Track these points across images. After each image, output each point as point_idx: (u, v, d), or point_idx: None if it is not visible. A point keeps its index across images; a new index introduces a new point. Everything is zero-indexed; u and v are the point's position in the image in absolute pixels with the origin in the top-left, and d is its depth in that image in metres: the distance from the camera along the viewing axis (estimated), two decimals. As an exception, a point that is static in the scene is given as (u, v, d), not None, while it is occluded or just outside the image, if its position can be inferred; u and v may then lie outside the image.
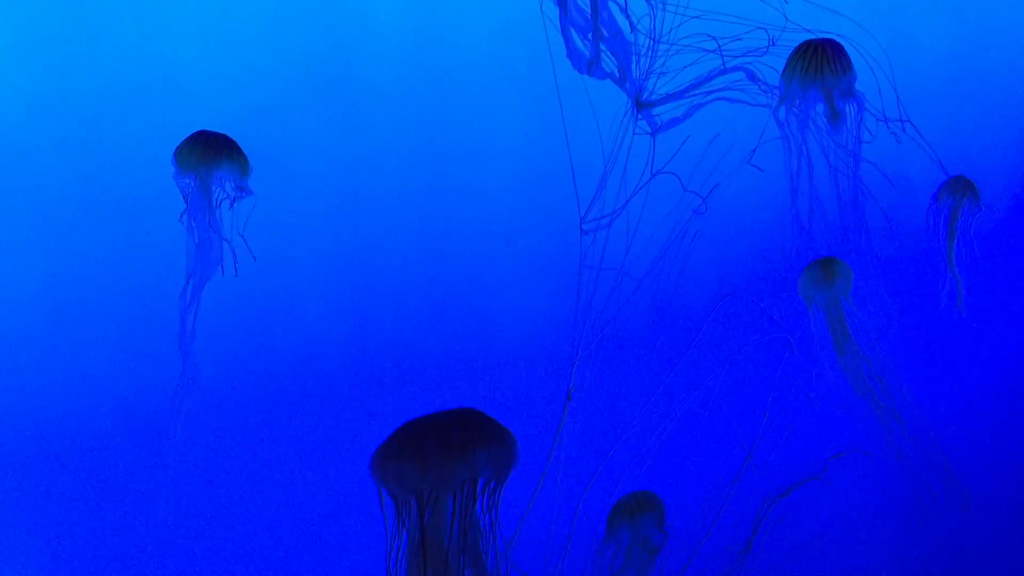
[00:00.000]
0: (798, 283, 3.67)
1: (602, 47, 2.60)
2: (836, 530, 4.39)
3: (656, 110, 2.71)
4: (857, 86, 3.39)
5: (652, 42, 2.70)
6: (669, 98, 2.68)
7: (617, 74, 2.58)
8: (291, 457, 4.48)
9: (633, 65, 2.62)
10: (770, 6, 3.15)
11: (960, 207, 4.14)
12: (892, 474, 3.79)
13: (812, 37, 3.34)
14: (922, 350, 4.62)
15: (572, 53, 2.70)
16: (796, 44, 3.34)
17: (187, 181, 3.36)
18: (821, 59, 3.34)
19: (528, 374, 4.34)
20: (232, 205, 3.37)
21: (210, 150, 3.31)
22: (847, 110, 3.35)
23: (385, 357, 4.49)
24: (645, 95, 2.65)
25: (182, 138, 4.00)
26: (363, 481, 2.14)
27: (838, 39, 3.40)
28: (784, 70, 3.27)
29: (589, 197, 2.74)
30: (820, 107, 3.32)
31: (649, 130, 2.66)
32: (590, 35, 2.64)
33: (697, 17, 2.92)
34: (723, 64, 2.78)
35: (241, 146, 4.01)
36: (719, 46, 2.80)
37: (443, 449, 1.99)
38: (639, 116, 2.65)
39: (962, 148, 4.56)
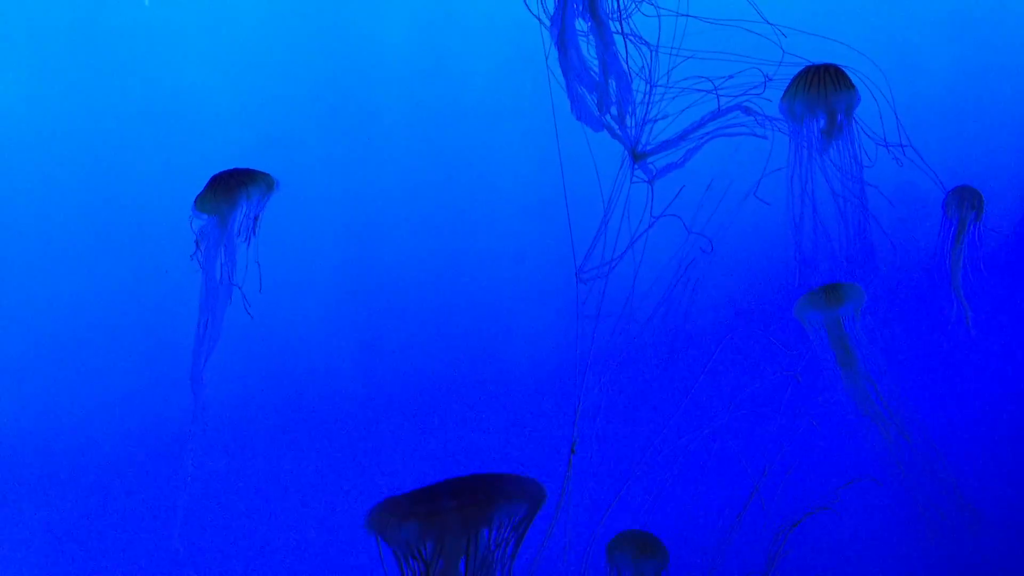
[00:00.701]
0: (796, 305, 3.67)
1: (600, 97, 2.61)
2: (848, 555, 4.39)
3: (653, 156, 2.72)
4: (859, 112, 3.40)
5: (647, 88, 2.71)
6: (665, 146, 2.68)
7: (614, 127, 2.59)
8: (301, 485, 4.50)
9: (628, 117, 2.63)
10: (767, 39, 3.16)
11: (967, 220, 4.13)
12: (902, 497, 3.78)
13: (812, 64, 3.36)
14: (929, 368, 4.61)
15: (574, 102, 2.71)
16: (793, 76, 3.36)
17: (207, 222, 3.38)
18: (823, 78, 3.35)
19: (535, 409, 4.37)
20: (250, 234, 3.40)
21: (231, 189, 3.34)
22: (847, 132, 3.36)
23: (393, 385, 4.51)
24: (641, 146, 2.66)
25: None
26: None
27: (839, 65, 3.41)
28: (786, 92, 3.28)
29: (590, 245, 2.75)
30: (821, 126, 3.33)
31: (647, 178, 2.67)
32: (590, 86, 2.66)
33: (691, 57, 2.92)
34: (719, 106, 2.79)
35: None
36: (715, 87, 2.81)
37: (460, 506, 2.00)
38: (636, 166, 2.66)
39: (966, 168, 4.55)
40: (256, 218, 3.36)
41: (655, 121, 2.73)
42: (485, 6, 4.28)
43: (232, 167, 3.35)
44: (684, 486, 3.86)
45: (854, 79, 3.36)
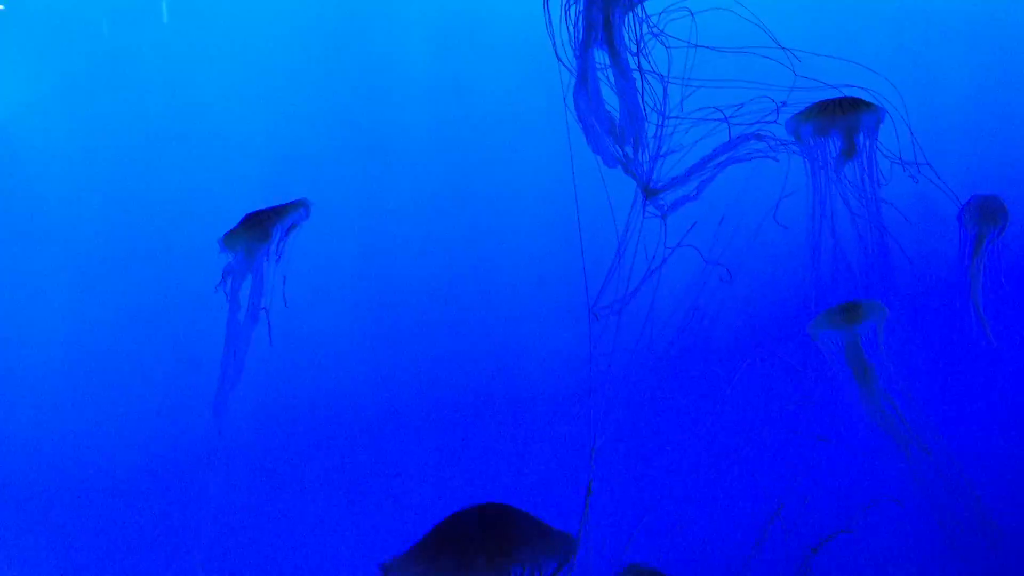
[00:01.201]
0: (812, 324, 3.66)
1: (615, 133, 2.62)
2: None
3: (665, 192, 2.73)
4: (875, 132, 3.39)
5: (660, 121, 2.71)
6: (677, 181, 2.69)
7: (628, 163, 2.60)
8: (317, 508, 4.53)
9: (641, 152, 2.64)
10: (780, 63, 3.15)
11: (985, 233, 4.11)
12: (924, 516, 3.77)
13: (825, 89, 3.35)
14: (949, 383, 4.59)
15: (589, 135, 2.72)
16: (805, 102, 3.35)
17: (235, 256, 3.42)
18: (838, 104, 3.33)
19: (550, 434, 4.38)
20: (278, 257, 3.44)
21: (264, 227, 3.37)
22: (864, 151, 3.35)
23: (410, 408, 4.53)
24: (653, 182, 2.67)
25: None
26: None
27: (854, 90, 3.40)
28: (797, 115, 3.28)
29: (604, 280, 2.76)
30: (837, 147, 3.32)
31: (660, 214, 2.68)
32: (605, 121, 2.66)
33: (703, 87, 2.93)
34: (730, 137, 2.79)
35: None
36: (726, 117, 2.81)
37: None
38: (648, 202, 2.67)
39: (986, 181, 4.53)
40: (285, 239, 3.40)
41: (668, 155, 2.74)
42: (503, 34, 4.29)
43: (263, 207, 3.40)
44: (704, 512, 3.86)
45: (872, 99, 3.35)
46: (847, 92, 3.38)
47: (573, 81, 2.77)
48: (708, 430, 3.84)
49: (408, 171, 4.50)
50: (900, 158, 3.39)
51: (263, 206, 4.19)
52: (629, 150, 2.65)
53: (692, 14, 2.79)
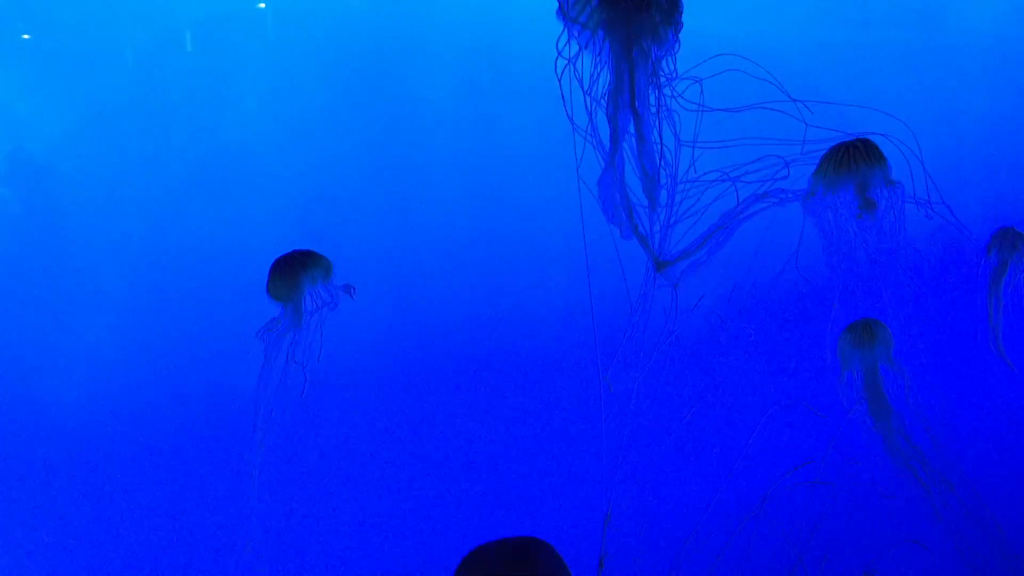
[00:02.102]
0: (837, 345, 3.64)
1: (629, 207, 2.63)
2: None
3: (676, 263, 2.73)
4: (892, 175, 3.37)
5: (670, 187, 2.71)
6: (687, 251, 2.69)
7: (641, 235, 2.61)
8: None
9: (653, 224, 2.64)
10: (791, 116, 3.13)
11: (1008, 262, 4.07)
12: (947, 553, 3.76)
13: (837, 137, 3.32)
14: (969, 413, 4.56)
15: (607, 207, 2.73)
16: (819, 152, 3.33)
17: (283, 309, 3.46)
18: (853, 153, 3.31)
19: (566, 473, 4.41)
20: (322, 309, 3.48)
21: (294, 275, 3.40)
22: (882, 199, 3.33)
23: (430, 450, 4.57)
24: (665, 254, 2.67)
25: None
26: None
27: (868, 135, 3.37)
28: (817, 169, 3.26)
29: (617, 350, 2.77)
30: (855, 201, 3.30)
31: (672, 283, 2.68)
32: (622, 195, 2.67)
33: (713, 149, 2.92)
34: (737, 200, 2.78)
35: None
36: (732, 181, 2.80)
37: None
38: (659, 274, 2.67)
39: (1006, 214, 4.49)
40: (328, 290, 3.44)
41: (678, 223, 2.74)
42: (526, 76, 4.28)
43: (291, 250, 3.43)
44: (725, 558, 3.87)
45: (884, 144, 3.33)
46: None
47: (594, 148, 2.78)
48: (728, 480, 3.84)
49: (431, 211, 4.53)
50: (915, 197, 3.36)
51: (290, 237, 4.23)
52: (644, 221, 2.66)
53: (701, 81, 2.77)
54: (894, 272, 3.46)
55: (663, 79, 2.72)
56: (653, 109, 2.72)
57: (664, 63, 2.81)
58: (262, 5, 4.66)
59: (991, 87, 4.92)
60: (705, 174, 2.81)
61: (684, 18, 3.07)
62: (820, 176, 3.25)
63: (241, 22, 4.64)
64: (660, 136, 2.72)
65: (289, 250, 3.42)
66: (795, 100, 3.03)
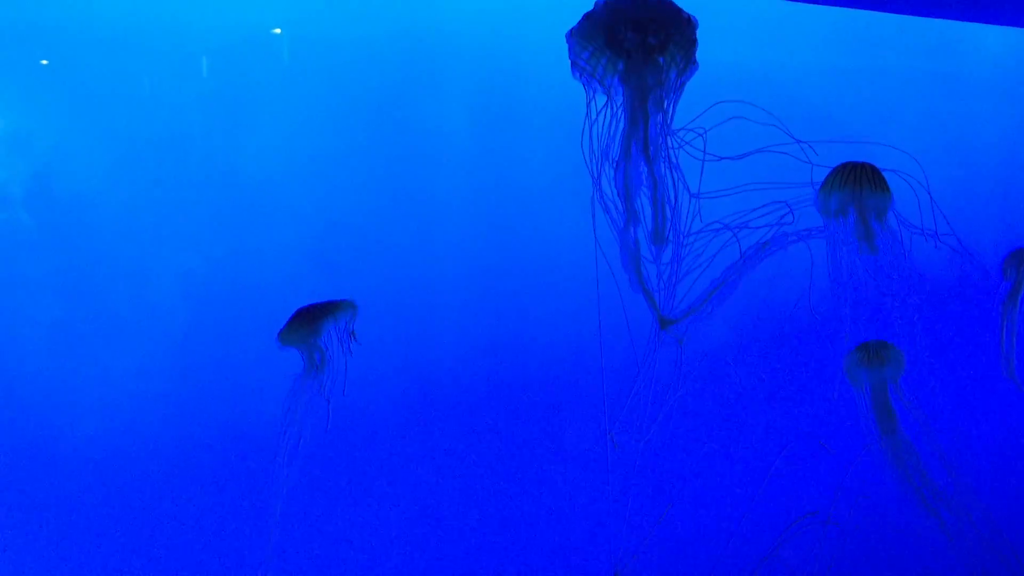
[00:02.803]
0: (844, 364, 3.66)
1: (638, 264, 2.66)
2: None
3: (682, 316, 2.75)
4: (898, 205, 3.38)
5: (674, 242, 2.74)
6: (692, 307, 2.72)
7: (644, 293, 2.63)
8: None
9: (659, 278, 2.67)
10: (796, 158, 3.15)
11: (1023, 282, 4.07)
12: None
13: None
14: (980, 435, 4.56)
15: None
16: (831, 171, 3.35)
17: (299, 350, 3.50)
18: (860, 175, 3.33)
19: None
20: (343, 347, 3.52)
21: (313, 322, 3.45)
22: (889, 228, 3.34)
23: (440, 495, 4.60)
24: (669, 311, 2.70)
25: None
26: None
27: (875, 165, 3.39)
28: (822, 186, 3.28)
29: (623, 407, 2.79)
30: (857, 229, 3.31)
31: (677, 339, 2.70)
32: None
33: (716, 197, 2.94)
34: (740, 251, 2.81)
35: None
36: (735, 233, 2.83)
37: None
38: (665, 331, 2.70)
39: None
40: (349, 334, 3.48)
41: (682, 278, 2.76)
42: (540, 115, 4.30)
43: (313, 303, 3.47)
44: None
45: (892, 178, 3.35)
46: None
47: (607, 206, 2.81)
48: (741, 523, 3.86)
49: (447, 242, 4.56)
50: (923, 228, 3.38)
51: (306, 266, 4.27)
52: (649, 274, 2.69)
53: (704, 131, 2.80)
54: (903, 300, 3.47)
55: (672, 129, 2.75)
56: (664, 159, 2.75)
57: (673, 110, 2.84)
58: (277, 31, 4.69)
59: (1003, 116, 4.92)
60: (707, 225, 2.83)
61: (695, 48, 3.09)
62: (826, 192, 3.27)
63: (257, 48, 4.67)
64: (672, 186, 2.74)
65: (299, 292, 3.47)
66: (799, 141, 3.06)
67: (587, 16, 2.90)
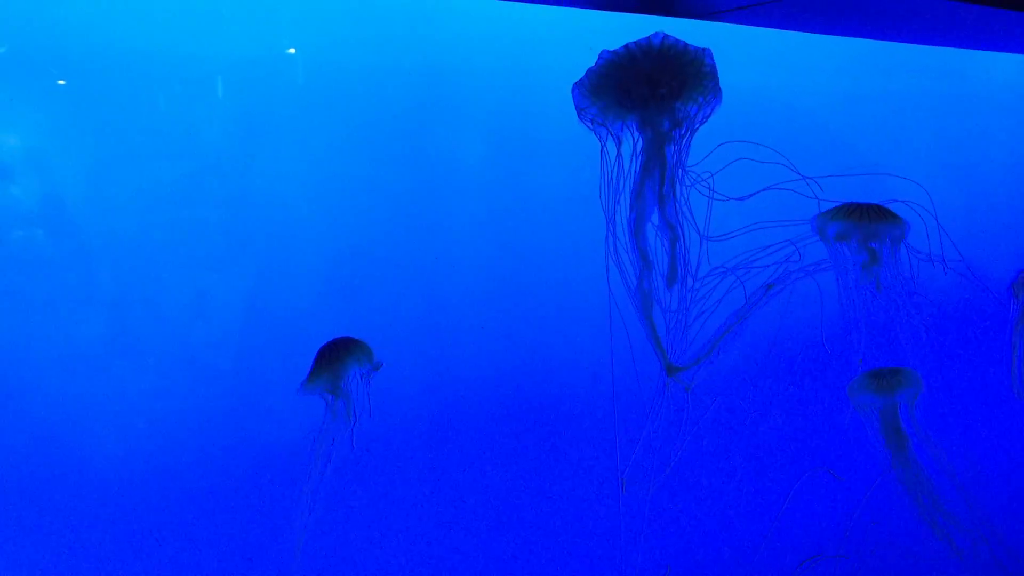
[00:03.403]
0: (848, 389, 3.67)
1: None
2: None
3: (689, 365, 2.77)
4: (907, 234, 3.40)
5: (681, 288, 2.75)
6: (699, 354, 2.73)
7: (653, 340, 2.65)
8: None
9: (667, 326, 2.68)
10: (802, 195, 3.17)
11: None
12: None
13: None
14: (992, 459, 4.56)
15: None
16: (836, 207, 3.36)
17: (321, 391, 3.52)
18: (866, 210, 3.34)
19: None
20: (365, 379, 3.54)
21: (335, 364, 3.47)
22: (897, 255, 3.36)
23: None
24: (676, 359, 2.71)
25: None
26: None
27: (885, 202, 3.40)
28: (826, 213, 3.29)
29: (633, 454, 2.81)
30: (862, 258, 3.33)
31: (687, 387, 2.72)
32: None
33: (722, 240, 2.96)
34: (745, 296, 2.83)
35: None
36: (739, 278, 2.85)
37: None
38: (672, 378, 2.71)
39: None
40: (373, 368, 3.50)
41: (689, 324, 2.77)
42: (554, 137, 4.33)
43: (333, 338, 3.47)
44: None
45: (900, 208, 3.37)
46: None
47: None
48: (756, 555, 3.87)
49: (462, 268, 4.58)
50: (932, 254, 3.40)
51: (322, 290, 4.28)
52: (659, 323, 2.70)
53: (712, 175, 2.83)
54: (914, 324, 3.49)
55: (686, 170, 2.77)
56: (677, 201, 2.76)
57: (687, 149, 2.86)
58: (292, 51, 4.72)
59: (1015, 139, 4.94)
60: (713, 269, 2.85)
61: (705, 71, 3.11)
62: (829, 218, 3.28)
63: (271, 68, 4.69)
64: (683, 228, 2.76)
65: (315, 313, 3.48)
66: (805, 177, 3.07)
67: (590, 72, 2.92)
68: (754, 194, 3.00)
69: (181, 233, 4.48)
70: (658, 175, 2.84)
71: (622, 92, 2.88)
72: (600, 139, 2.94)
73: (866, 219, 3.27)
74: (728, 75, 3.61)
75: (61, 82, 4.49)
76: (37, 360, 4.32)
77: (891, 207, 3.36)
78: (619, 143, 2.89)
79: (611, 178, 2.91)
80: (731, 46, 4.61)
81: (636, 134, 2.87)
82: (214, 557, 4.44)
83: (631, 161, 2.91)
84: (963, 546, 3.60)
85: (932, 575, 3.78)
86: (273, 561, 4.33)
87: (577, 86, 2.99)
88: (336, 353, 3.53)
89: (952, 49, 5.11)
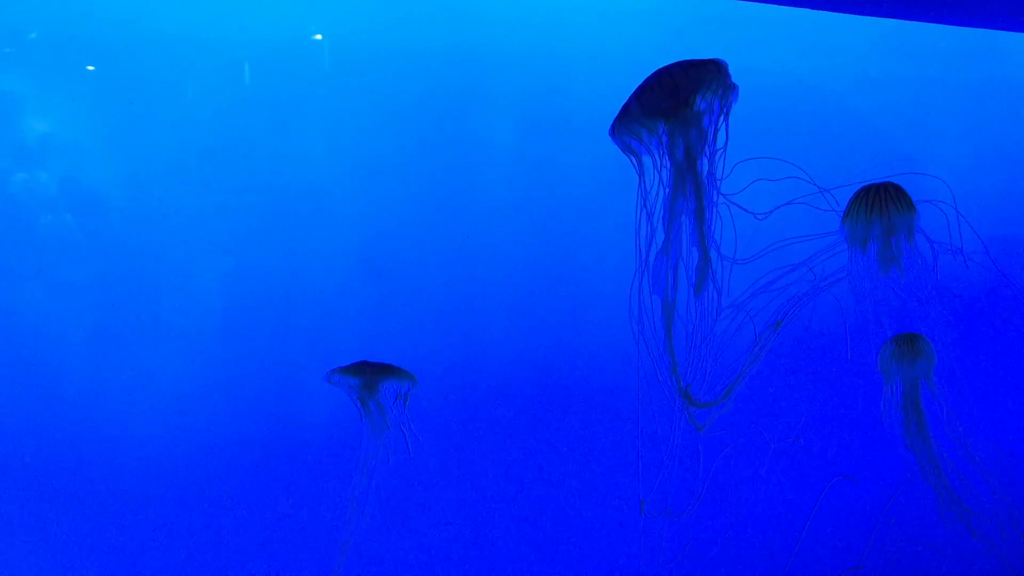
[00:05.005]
0: (879, 358, 3.63)
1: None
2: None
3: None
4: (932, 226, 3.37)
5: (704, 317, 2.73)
6: (715, 395, 2.72)
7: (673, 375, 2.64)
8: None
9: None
10: (818, 208, 3.14)
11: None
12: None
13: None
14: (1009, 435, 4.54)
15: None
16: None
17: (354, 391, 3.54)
18: (884, 197, 3.30)
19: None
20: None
21: (374, 379, 3.48)
22: (915, 247, 3.32)
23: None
24: (692, 389, 2.70)
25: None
26: None
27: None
28: (847, 212, 3.26)
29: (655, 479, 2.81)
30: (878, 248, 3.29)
31: (699, 427, 2.72)
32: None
33: (745, 263, 2.93)
34: (755, 336, 2.80)
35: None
36: (751, 319, 2.83)
37: None
38: (688, 412, 2.71)
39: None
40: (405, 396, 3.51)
41: (707, 358, 2.76)
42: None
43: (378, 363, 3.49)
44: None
45: (918, 199, 3.33)
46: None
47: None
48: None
49: (491, 250, 4.58)
50: (951, 245, 3.36)
51: (352, 273, 4.28)
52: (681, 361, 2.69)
53: (727, 198, 2.80)
54: (934, 316, 3.46)
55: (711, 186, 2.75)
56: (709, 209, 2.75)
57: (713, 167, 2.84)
58: (319, 37, 4.72)
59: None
60: (727, 307, 2.83)
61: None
62: (853, 221, 3.24)
63: (298, 53, 4.69)
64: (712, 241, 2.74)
65: (343, 297, 3.48)
66: (822, 189, 3.05)
67: (625, 112, 2.88)
68: (775, 210, 2.98)
69: (209, 217, 4.49)
70: (690, 186, 2.82)
71: (650, 120, 2.86)
72: (632, 160, 2.92)
73: (890, 206, 3.23)
74: (757, 57, 3.58)
75: (90, 68, 4.50)
76: (64, 339, 4.34)
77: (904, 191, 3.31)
78: (653, 158, 2.87)
79: (644, 188, 2.89)
80: (760, 28, 4.59)
81: (664, 139, 2.85)
82: (234, 531, 4.45)
83: (663, 177, 2.88)
84: (982, 528, 3.57)
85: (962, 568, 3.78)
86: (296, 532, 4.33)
87: (613, 129, 2.98)
88: (379, 370, 3.55)
89: (983, 31, 5.06)
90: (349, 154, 4.58)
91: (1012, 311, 4.21)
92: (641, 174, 2.84)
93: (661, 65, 2.96)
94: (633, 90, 2.98)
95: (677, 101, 2.75)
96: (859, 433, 3.92)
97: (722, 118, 2.82)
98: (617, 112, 2.90)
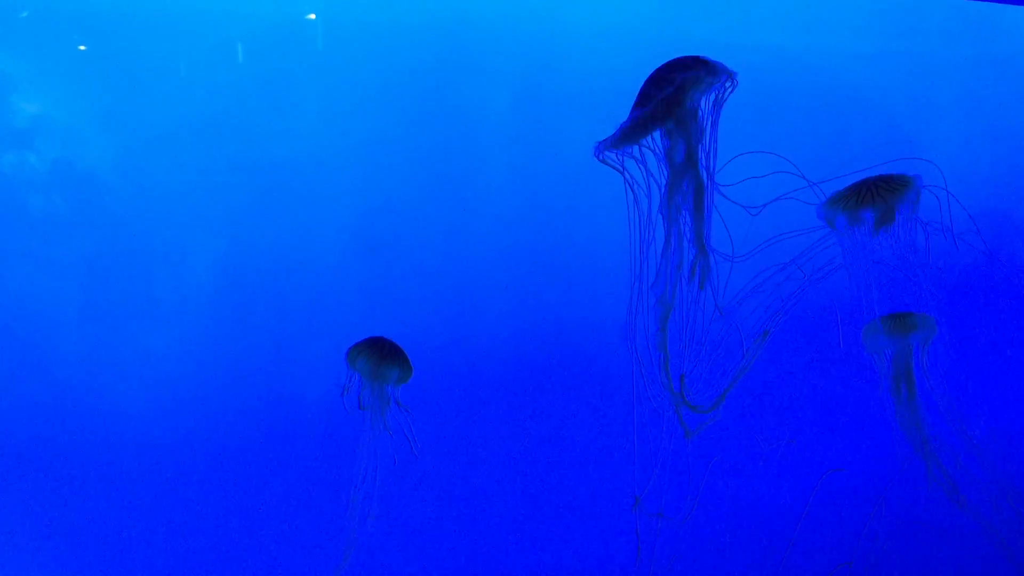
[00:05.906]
0: (863, 332, 3.62)
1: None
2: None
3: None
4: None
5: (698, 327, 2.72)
6: (707, 405, 2.72)
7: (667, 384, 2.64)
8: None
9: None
10: (807, 203, 3.11)
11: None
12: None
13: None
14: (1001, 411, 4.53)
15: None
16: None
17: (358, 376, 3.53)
18: (875, 191, 3.28)
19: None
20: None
21: (382, 361, 3.48)
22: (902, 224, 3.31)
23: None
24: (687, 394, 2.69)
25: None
26: None
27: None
28: (834, 200, 3.24)
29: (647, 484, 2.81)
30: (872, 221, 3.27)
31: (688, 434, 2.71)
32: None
33: (741, 260, 2.91)
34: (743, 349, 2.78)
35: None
36: (738, 331, 2.82)
37: None
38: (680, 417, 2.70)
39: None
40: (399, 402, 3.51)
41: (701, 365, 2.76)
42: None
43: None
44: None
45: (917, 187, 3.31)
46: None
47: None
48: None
49: (488, 225, 4.57)
50: (942, 225, 3.35)
51: (348, 249, 4.27)
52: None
53: (724, 194, 2.79)
54: (929, 299, 3.45)
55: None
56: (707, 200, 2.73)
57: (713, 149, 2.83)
58: (312, 16, 4.69)
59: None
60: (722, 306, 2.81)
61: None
62: (838, 205, 3.22)
63: (291, 33, 4.67)
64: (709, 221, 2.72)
65: (339, 274, 3.46)
66: (812, 183, 3.03)
67: (621, 130, 2.86)
68: (761, 208, 2.96)
69: (202, 196, 4.48)
70: (688, 183, 2.80)
71: (644, 131, 2.84)
72: (624, 175, 2.90)
73: (877, 196, 3.21)
74: (756, 32, 3.55)
75: (82, 47, 4.48)
76: (57, 320, 4.33)
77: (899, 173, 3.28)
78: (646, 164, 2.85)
79: (638, 193, 2.87)
80: (759, 4, 4.55)
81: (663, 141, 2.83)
82: (227, 513, 4.46)
83: (660, 177, 2.87)
84: (974, 500, 3.57)
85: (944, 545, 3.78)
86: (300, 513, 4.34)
87: (602, 144, 2.96)
88: (389, 354, 3.54)
89: (982, 4, 5.01)
90: (343, 132, 4.57)
91: (1001, 290, 4.19)
92: (632, 182, 2.83)
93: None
94: (629, 86, 2.98)
95: (669, 104, 2.73)
96: (852, 428, 3.92)
97: (713, 112, 2.81)
98: (614, 128, 2.88)
